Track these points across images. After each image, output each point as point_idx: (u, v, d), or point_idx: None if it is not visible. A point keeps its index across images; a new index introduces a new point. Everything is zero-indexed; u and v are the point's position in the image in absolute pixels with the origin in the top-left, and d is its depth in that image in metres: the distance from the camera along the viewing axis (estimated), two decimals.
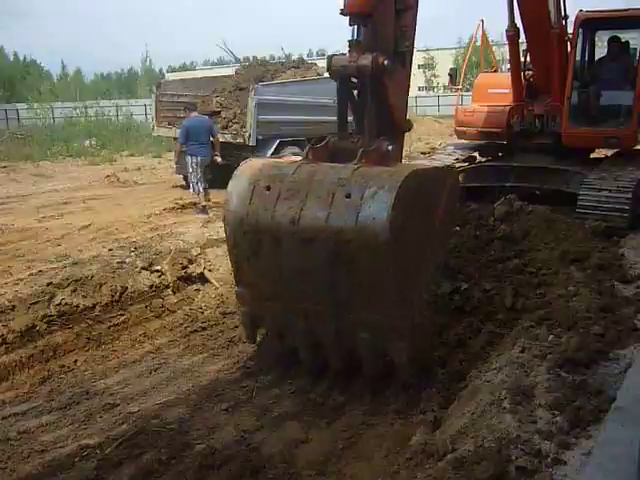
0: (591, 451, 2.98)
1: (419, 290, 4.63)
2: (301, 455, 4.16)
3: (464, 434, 3.48)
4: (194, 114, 10.90)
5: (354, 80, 4.99)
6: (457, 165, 10.13)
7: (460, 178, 9.87)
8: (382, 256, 4.10)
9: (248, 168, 4.79)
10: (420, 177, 4.50)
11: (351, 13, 4.74)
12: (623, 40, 9.41)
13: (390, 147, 4.81)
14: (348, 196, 4.18)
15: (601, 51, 10.00)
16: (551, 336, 4.45)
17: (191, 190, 10.67)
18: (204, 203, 10.50)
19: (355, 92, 5.10)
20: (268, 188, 4.52)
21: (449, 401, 4.34)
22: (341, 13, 4.76)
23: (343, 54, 4.88)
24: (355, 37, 4.81)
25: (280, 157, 5.49)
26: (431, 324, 4.85)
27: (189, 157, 10.52)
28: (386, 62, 4.68)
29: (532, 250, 6.80)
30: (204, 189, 10.52)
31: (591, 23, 9.39)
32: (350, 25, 4.81)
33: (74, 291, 6.46)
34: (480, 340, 5.12)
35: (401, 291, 4.32)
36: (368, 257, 4.13)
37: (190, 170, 10.51)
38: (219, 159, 10.69)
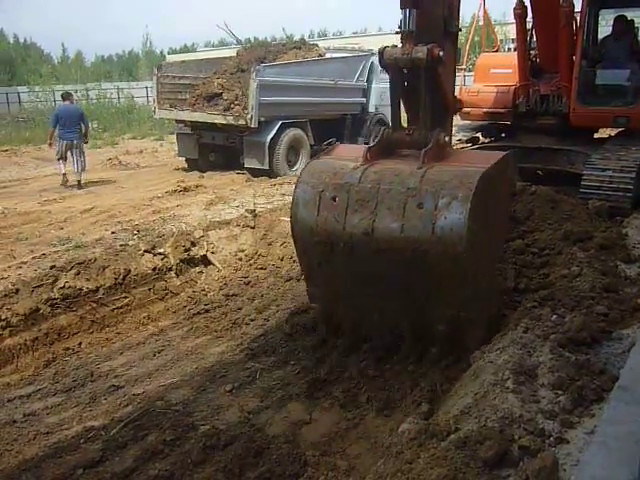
0: (594, 430, 2.98)
1: (492, 283, 4.85)
2: (305, 435, 4.18)
3: (467, 414, 3.47)
4: (67, 102, 12.55)
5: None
6: (460, 146, 10.09)
7: None
8: (461, 263, 4.20)
9: (310, 176, 4.80)
10: (487, 178, 4.45)
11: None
12: (629, 18, 9.31)
13: (447, 138, 4.86)
14: (420, 206, 4.23)
15: (603, 30, 9.89)
16: (554, 316, 4.44)
17: (61, 166, 12.29)
18: (75, 178, 12.16)
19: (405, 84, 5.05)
20: (334, 199, 4.56)
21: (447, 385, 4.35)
22: None
23: (395, 46, 4.80)
24: (406, 26, 4.70)
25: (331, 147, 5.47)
26: (501, 309, 5.05)
27: (59, 139, 12.07)
28: (441, 53, 4.61)
29: (536, 230, 6.78)
30: (78, 168, 12.20)
31: (597, 1, 9.28)
32: (401, 9, 4.70)
33: (77, 274, 6.48)
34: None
35: (478, 289, 4.47)
36: (446, 265, 4.21)
37: (57, 150, 12.11)
38: (86, 145, 12.85)
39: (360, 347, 5.04)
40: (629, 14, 9.42)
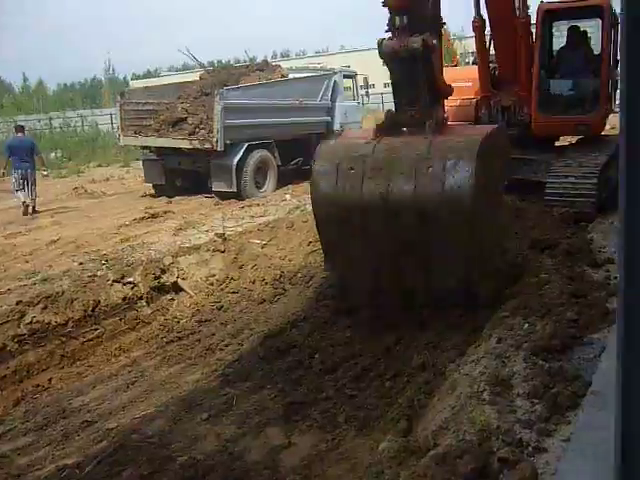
0: (570, 437, 2.99)
1: (499, 237, 5.50)
2: (285, 460, 4.12)
3: (446, 429, 3.47)
4: (19, 134, 13.05)
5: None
6: None
7: None
8: (468, 218, 4.75)
9: (327, 153, 5.38)
10: (487, 143, 5.02)
11: (394, 7, 5.22)
12: (581, 29, 9.55)
13: (445, 115, 5.65)
14: (430, 168, 4.79)
15: (558, 41, 10.13)
16: (526, 324, 4.48)
17: (20, 195, 12.39)
18: (30, 205, 12.38)
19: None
20: (351, 169, 5.07)
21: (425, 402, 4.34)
22: (383, 5, 5.25)
23: (390, 38, 5.30)
24: (401, 22, 5.22)
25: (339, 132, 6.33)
26: (507, 266, 5.64)
27: (13, 170, 12.42)
28: (434, 42, 5.21)
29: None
30: (31, 196, 12.44)
31: (552, 13, 9.51)
32: (391, 15, 5.27)
33: (45, 308, 6.34)
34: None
35: (485, 241, 5.10)
36: (455, 220, 4.75)
37: (13, 181, 12.37)
38: (45, 173, 13.61)
39: (337, 368, 5.04)
40: (581, 25, 9.68)
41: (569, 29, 9.59)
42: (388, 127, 5.45)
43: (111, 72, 59.71)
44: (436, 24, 5.56)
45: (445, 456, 3.10)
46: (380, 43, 5.33)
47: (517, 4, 8.78)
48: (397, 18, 5.23)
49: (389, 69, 5.52)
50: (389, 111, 5.63)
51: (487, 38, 9.66)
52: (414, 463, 3.26)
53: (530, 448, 3.08)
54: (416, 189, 4.77)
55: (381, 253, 5.17)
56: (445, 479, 2.94)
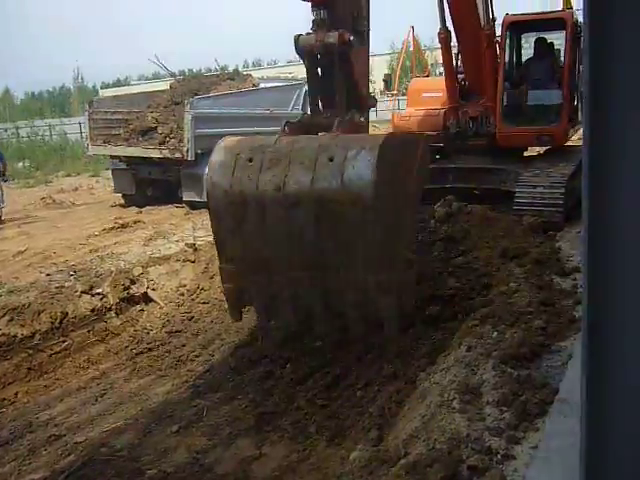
0: (538, 444, 3.03)
1: (402, 248, 4.79)
2: (256, 471, 4.11)
3: (416, 437, 3.48)
4: None
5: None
6: None
7: None
8: (368, 213, 4.27)
9: (229, 142, 4.96)
10: (397, 140, 4.85)
11: (313, 0, 5.02)
12: (548, 41, 9.73)
13: (362, 118, 5.28)
14: (331, 159, 4.37)
15: (527, 52, 10.31)
16: (495, 333, 4.52)
17: None
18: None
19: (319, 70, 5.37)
20: (250, 160, 4.67)
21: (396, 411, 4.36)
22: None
23: (309, 34, 5.10)
24: (317, 16, 5.05)
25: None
26: (415, 282, 5.04)
27: None
28: (351, 38, 4.99)
29: (474, 249, 6.93)
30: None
31: (517, 26, 9.68)
32: (313, 10, 5.07)
33: (10, 320, 6.22)
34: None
35: (386, 247, 4.51)
36: (354, 216, 4.30)
37: None
38: (3, 183, 13.22)
39: (308, 378, 5.02)
40: (548, 37, 9.87)
41: (536, 41, 9.77)
42: (301, 131, 5.18)
43: (80, 81, 59.10)
44: (362, 26, 5.35)
45: (415, 465, 3.11)
46: (296, 38, 5.13)
47: (482, 16, 8.92)
48: (316, 12, 5.05)
49: (305, 67, 5.31)
50: (304, 114, 5.43)
51: (456, 49, 9.80)
52: (385, 472, 3.27)
53: (499, 456, 3.10)
54: (314, 180, 4.37)
55: (277, 259, 4.73)
56: None
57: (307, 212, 4.41)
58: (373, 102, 5.80)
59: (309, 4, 5.08)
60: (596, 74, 1.49)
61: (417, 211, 5.55)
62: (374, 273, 4.45)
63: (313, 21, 5.07)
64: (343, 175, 4.27)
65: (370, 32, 5.61)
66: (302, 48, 5.11)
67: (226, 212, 4.79)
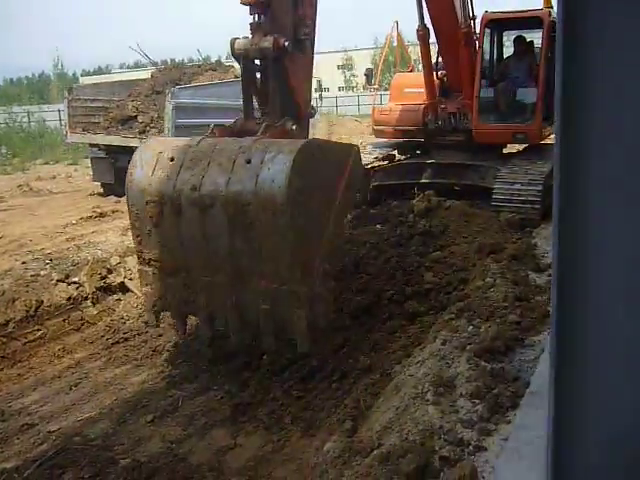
0: (509, 436, 3.08)
1: (319, 258, 4.58)
2: (230, 461, 4.12)
3: (390, 429, 3.52)
4: None
5: (257, 63, 5.16)
6: (376, 164, 10.29)
7: (381, 176, 10.07)
8: (280, 218, 4.14)
9: (154, 141, 4.87)
10: (320, 146, 4.69)
11: (250, 2, 4.90)
12: (528, 39, 9.81)
13: (294, 126, 5.07)
14: (248, 161, 4.27)
15: (510, 50, 10.38)
16: (470, 327, 4.58)
17: None
18: None
19: (258, 75, 5.26)
20: (172, 159, 4.57)
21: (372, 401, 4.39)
22: (241, 2, 4.90)
23: (246, 37, 5.00)
24: (254, 20, 4.97)
25: None
26: (331, 295, 4.82)
27: None
28: (286, 43, 4.87)
29: (452, 244, 6.99)
30: None
31: (496, 23, 9.74)
32: (250, 14, 4.97)
33: None
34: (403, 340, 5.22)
35: (299, 256, 4.33)
36: (267, 220, 4.17)
37: None
38: None
39: (284, 369, 5.03)
40: (529, 35, 9.94)
41: (515, 39, 9.85)
42: (228, 132, 5.09)
43: (60, 68, 58.24)
44: (303, 34, 5.19)
45: (388, 455, 3.15)
46: (232, 42, 5.05)
47: (459, 14, 8.97)
48: (253, 16, 4.97)
49: (241, 71, 5.24)
50: (238, 119, 5.28)
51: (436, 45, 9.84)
52: (358, 463, 3.30)
53: (471, 447, 3.15)
54: (229, 182, 4.26)
55: (193, 262, 4.62)
56: (388, 478, 2.99)
57: (222, 214, 4.30)
58: (312, 113, 5.66)
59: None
60: (567, 73, 1.51)
61: (343, 221, 5.33)
62: (286, 283, 4.32)
63: (250, 24, 4.99)
64: (258, 178, 4.17)
65: (314, 41, 5.47)
66: (237, 52, 5.01)
67: (144, 212, 4.67)
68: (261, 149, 4.30)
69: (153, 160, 4.62)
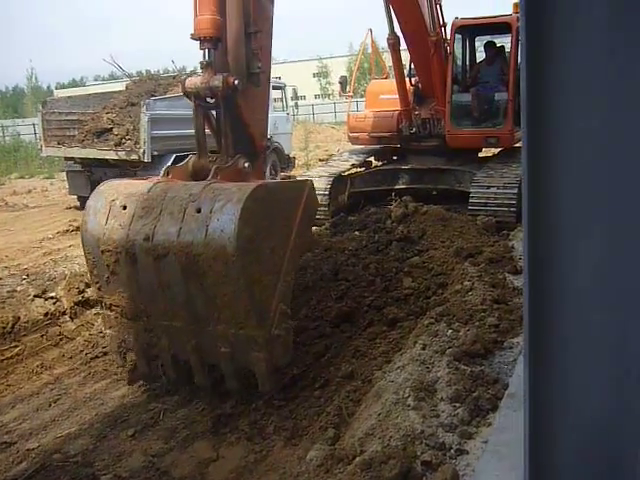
0: (489, 439, 3.10)
1: (276, 301, 4.57)
2: (213, 473, 4.09)
3: (372, 435, 3.52)
4: None
5: (211, 100, 5.08)
6: (353, 170, 10.34)
7: (358, 182, 10.12)
8: (232, 268, 4.12)
9: (106, 188, 4.81)
10: (270, 189, 4.63)
11: (200, 38, 4.83)
12: (499, 45, 9.95)
13: (247, 164, 5.01)
14: (199, 210, 4.25)
15: (482, 55, 10.51)
16: (450, 331, 4.61)
17: None
18: None
19: (214, 112, 5.19)
20: (124, 207, 4.56)
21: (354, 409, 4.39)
22: (192, 38, 4.86)
23: (197, 74, 4.98)
24: (206, 57, 4.90)
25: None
26: (290, 335, 4.78)
27: None
28: (236, 82, 4.83)
29: (430, 249, 7.04)
30: None
31: (466, 29, 9.88)
32: (201, 49, 4.90)
33: None
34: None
35: (254, 302, 4.32)
36: (219, 270, 4.16)
37: None
38: None
39: None
40: (500, 41, 10.08)
41: (485, 44, 10.01)
42: (186, 174, 5.06)
43: (34, 81, 57.70)
44: (256, 68, 5.16)
45: (371, 462, 3.15)
46: (184, 81, 5.00)
47: (428, 23, 9.07)
48: (203, 53, 4.89)
49: (193, 110, 5.11)
50: (190, 157, 5.23)
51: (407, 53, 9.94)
52: (341, 470, 3.30)
53: (452, 451, 3.17)
54: (181, 232, 4.25)
55: (151, 309, 4.63)
56: None
57: (175, 264, 4.30)
58: (267, 145, 5.64)
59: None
60: (532, 77, 1.54)
61: (298, 259, 5.27)
62: (243, 328, 4.34)
63: (200, 62, 4.94)
64: (208, 228, 4.16)
65: (270, 72, 5.48)
66: (188, 90, 4.96)
67: (100, 260, 4.69)
68: (210, 197, 4.28)
69: (106, 209, 4.62)
